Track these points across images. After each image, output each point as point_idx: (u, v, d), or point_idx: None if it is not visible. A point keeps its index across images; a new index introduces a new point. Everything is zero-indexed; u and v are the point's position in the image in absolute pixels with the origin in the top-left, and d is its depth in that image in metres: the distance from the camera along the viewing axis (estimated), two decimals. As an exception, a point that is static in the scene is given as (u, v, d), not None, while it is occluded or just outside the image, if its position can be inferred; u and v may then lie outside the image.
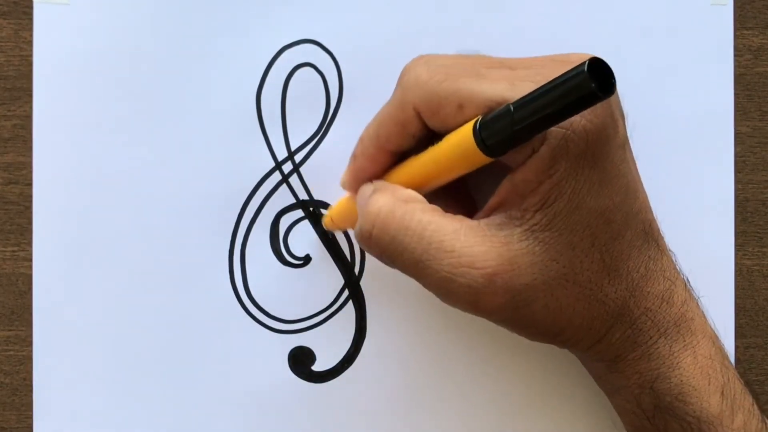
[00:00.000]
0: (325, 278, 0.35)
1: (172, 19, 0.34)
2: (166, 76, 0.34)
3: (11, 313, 0.34)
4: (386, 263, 0.28)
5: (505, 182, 0.27)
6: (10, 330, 0.34)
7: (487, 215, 0.27)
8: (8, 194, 0.34)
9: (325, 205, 0.35)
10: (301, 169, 0.35)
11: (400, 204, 0.27)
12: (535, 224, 0.26)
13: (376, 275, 0.35)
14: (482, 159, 0.26)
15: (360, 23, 0.34)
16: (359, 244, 0.28)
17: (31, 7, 0.34)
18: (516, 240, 0.26)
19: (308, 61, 0.34)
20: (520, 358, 0.35)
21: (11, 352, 0.34)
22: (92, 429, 0.34)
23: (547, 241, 0.26)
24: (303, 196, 0.35)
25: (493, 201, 0.27)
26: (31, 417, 0.34)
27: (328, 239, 0.35)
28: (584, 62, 0.22)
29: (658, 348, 0.28)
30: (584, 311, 0.27)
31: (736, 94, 0.35)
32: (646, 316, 0.28)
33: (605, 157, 0.26)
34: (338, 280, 0.35)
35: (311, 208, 0.35)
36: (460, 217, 0.27)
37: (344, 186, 0.31)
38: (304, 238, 0.35)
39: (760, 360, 0.35)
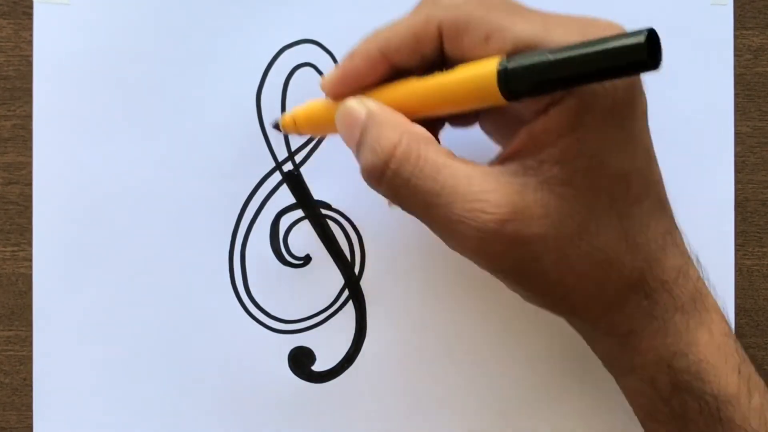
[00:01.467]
0: (325, 278, 0.35)
1: (172, 19, 0.34)
2: (166, 76, 0.34)
3: (11, 313, 0.34)
4: (391, 200, 0.27)
5: (523, 131, 0.25)
6: (10, 330, 0.34)
7: (502, 163, 0.26)
8: (8, 194, 0.34)
9: (326, 206, 0.35)
10: (301, 169, 0.35)
11: (415, 144, 0.26)
12: (552, 177, 0.25)
13: (376, 275, 0.35)
14: (497, 100, 0.24)
15: (360, 23, 0.34)
16: (364, 179, 0.27)
17: (31, 7, 0.34)
18: (531, 190, 0.25)
19: (308, 61, 0.34)
20: (521, 359, 0.35)
21: (11, 352, 0.34)
22: (92, 429, 0.34)
23: (563, 196, 0.25)
24: (303, 196, 0.35)
25: (508, 150, 0.26)
26: (31, 417, 0.34)
27: (328, 239, 0.35)
28: (643, 30, 0.21)
29: (675, 323, 0.27)
30: (596, 275, 0.26)
31: (736, 94, 0.35)
32: (663, 288, 0.27)
33: (631, 118, 0.25)
34: (338, 280, 0.35)
35: (311, 209, 0.35)
36: (473, 162, 0.26)
37: (325, 87, 0.29)
38: (304, 238, 0.35)
39: (760, 360, 0.35)
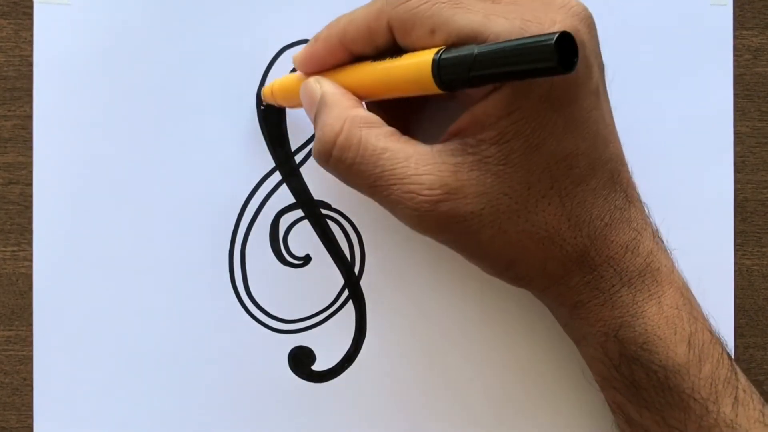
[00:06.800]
0: (325, 278, 0.35)
1: (172, 19, 0.34)
2: (166, 76, 0.34)
3: (11, 313, 0.34)
4: (340, 180, 0.29)
5: (466, 113, 0.27)
6: (10, 330, 0.34)
7: (444, 141, 0.28)
8: (8, 194, 0.34)
9: (326, 205, 0.35)
10: (301, 169, 0.35)
11: (356, 130, 0.28)
12: (489, 156, 0.27)
13: (376, 275, 0.35)
14: (434, 89, 0.26)
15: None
16: (317, 162, 0.29)
17: (31, 7, 0.34)
18: (466, 169, 0.27)
19: (308, 61, 0.34)
20: (521, 359, 0.35)
21: (11, 352, 0.34)
22: (92, 429, 0.34)
23: (500, 174, 0.27)
24: (303, 196, 0.35)
25: (452, 128, 0.28)
26: (31, 417, 0.34)
27: (328, 239, 0.35)
28: (553, 35, 0.22)
29: (621, 296, 0.28)
30: (537, 250, 0.28)
31: (735, 94, 0.35)
32: (608, 264, 0.28)
33: (573, 102, 0.26)
34: (338, 280, 0.35)
35: (311, 209, 0.35)
36: (414, 142, 0.28)
37: (295, 62, 0.31)
38: (304, 238, 0.35)
39: (760, 360, 0.35)
